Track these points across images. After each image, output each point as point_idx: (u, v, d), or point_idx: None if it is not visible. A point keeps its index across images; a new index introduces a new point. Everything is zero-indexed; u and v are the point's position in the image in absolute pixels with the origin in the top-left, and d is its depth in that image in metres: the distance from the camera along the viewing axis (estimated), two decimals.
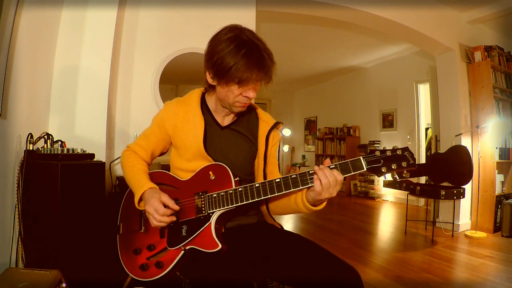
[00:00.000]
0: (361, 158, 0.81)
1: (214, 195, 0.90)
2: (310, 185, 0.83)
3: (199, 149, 0.98)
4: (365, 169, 0.81)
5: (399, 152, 0.81)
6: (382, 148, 0.82)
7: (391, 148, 0.82)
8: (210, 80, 0.96)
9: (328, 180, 0.80)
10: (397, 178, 0.83)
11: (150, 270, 0.91)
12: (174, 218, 0.90)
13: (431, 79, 3.76)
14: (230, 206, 0.88)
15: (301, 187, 0.84)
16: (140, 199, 0.95)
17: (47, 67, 1.72)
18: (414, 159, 0.80)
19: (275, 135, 1.08)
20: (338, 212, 4.42)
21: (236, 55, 0.85)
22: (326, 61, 5.44)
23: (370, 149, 0.84)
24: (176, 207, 0.90)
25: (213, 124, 1.05)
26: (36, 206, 1.36)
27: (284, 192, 0.85)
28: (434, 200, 3.38)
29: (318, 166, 0.83)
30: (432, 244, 2.79)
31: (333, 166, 0.83)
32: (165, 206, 0.89)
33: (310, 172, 0.84)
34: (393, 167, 0.80)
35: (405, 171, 0.81)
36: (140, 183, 0.96)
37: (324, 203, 0.89)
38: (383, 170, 0.80)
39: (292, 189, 0.84)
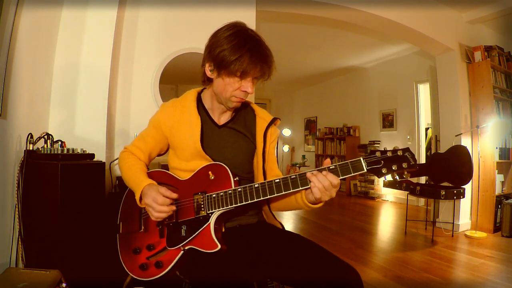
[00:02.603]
0: (361, 159, 0.80)
1: (214, 195, 0.90)
2: (309, 186, 0.83)
3: (196, 148, 0.98)
4: (365, 170, 0.80)
5: (399, 153, 0.80)
6: (383, 149, 0.81)
7: (391, 149, 0.81)
8: (208, 73, 0.96)
9: (322, 185, 0.80)
10: (397, 178, 0.82)
11: (149, 270, 0.91)
12: (174, 208, 0.90)
13: (431, 79, 3.76)
14: (229, 207, 0.88)
15: (300, 188, 0.84)
16: (141, 197, 0.95)
17: (47, 67, 1.72)
18: (415, 160, 0.79)
19: (272, 131, 1.08)
20: (338, 212, 4.42)
21: (242, 48, 0.87)
22: (326, 61, 5.44)
23: (371, 150, 0.82)
24: (174, 195, 0.90)
25: (209, 123, 1.04)
26: (36, 206, 1.36)
27: (283, 193, 0.84)
28: (434, 200, 3.38)
29: (311, 172, 0.82)
30: (432, 244, 2.79)
31: (333, 167, 0.82)
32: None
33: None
34: (393, 168, 0.79)
35: (405, 172, 0.80)
36: (139, 181, 0.96)
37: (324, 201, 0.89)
38: (383, 171, 0.79)
39: (291, 190, 0.84)
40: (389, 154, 0.80)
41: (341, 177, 0.81)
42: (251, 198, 0.86)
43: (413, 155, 0.80)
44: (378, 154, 0.80)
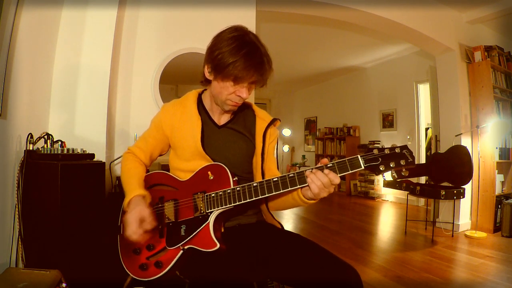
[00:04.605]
0: (359, 157, 0.80)
1: (213, 194, 0.91)
2: (307, 184, 0.83)
3: (197, 148, 0.98)
4: (363, 167, 0.80)
5: (397, 150, 0.80)
6: (381, 147, 0.81)
7: (389, 147, 0.81)
8: (207, 74, 0.97)
9: (321, 182, 0.81)
10: (396, 176, 0.82)
11: (149, 270, 0.91)
12: (145, 238, 0.90)
13: (431, 79, 3.76)
14: (228, 206, 0.88)
15: (298, 186, 0.84)
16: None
17: (47, 67, 1.72)
18: (413, 157, 0.79)
19: (272, 132, 1.09)
20: (338, 212, 4.42)
21: (237, 53, 0.87)
22: (326, 61, 5.44)
23: (368, 148, 0.83)
24: (148, 227, 0.89)
25: (209, 123, 1.05)
26: (36, 206, 1.36)
27: (281, 191, 0.85)
28: (434, 200, 3.38)
29: (311, 170, 0.83)
30: (432, 244, 2.79)
31: (331, 165, 0.82)
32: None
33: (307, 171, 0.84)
34: (391, 165, 0.79)
35: (403, 169, 0.80)
36: (130, 188, 0.97)
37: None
38: (381, 169, 0.79)
39: (289, 188, 0.84)
40: (386, 151, 0.80)
41: (339, 175, 0.82)
42: (250, 197, 0.87)
43: (411, 152, 0.80)
44: (375, 151, 0.81)
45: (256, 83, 0.94)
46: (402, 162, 0.79)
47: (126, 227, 0.89)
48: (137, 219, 0.88)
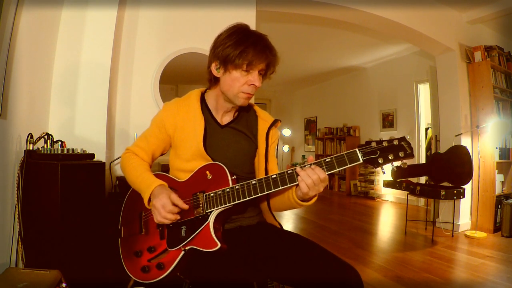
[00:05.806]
0: (357, 150, 0.80)
1: (212, 194, 0.91)
2: None
3: (198, 148, 0.98)
4: (361, 160, 0.79)
5: (395, 142, 0.79)
6: (379, 139, 0.81)
7: (387, 139, 0.80)
8: (214, 72, 0.98)
9: (311, 179, 0.81)
10: (395, 169, 0.83)
11: (151, 272, 0.91)
12: (178, 217, 0.90)
13: (431, 79, 3.76)
14: (227, 204, 0.88)
15: (297, 182, 0.84)
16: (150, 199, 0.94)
17: (47, 67, 1.72)
18: (411, 149, 0.78)
19: (274, 133, 1.09)
20: (338, 212, 4.42)
21: (246, 42, 0.90)
22: (326, 61, 5.44)
23: (366, 141, 0.82)
24: (185, 206, 0.90)
25: (212, 123, 1.05)
26: (36, 206, 1.36)
27: (280, 188, 0.85)
28: (434, 200, 3.38)
29: (301, 167, 0.83)
30: (432, 244, 2.79)
31: (329, 159, 0.82)
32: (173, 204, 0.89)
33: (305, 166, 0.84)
34: (390, 157, 0.78)
35: (402, 162, 0.79)
36: (148, 182, 0.95)
37: (315, 198, 0.90)
38: (380, 161, 0.78)
39: (288, 184, 0.84)
40: (385, 144, 0.80)
41: (337, 169, 0.81)
42: (249, 195, 0.87)
43: (409, 144, 0.79)
44: (373, 144, 0.80)
45: (266, 71, 0.96)
46: (401, 154, 0.78)
47: (157, 211, 0.87)
48: (169, 200, 0.88)
